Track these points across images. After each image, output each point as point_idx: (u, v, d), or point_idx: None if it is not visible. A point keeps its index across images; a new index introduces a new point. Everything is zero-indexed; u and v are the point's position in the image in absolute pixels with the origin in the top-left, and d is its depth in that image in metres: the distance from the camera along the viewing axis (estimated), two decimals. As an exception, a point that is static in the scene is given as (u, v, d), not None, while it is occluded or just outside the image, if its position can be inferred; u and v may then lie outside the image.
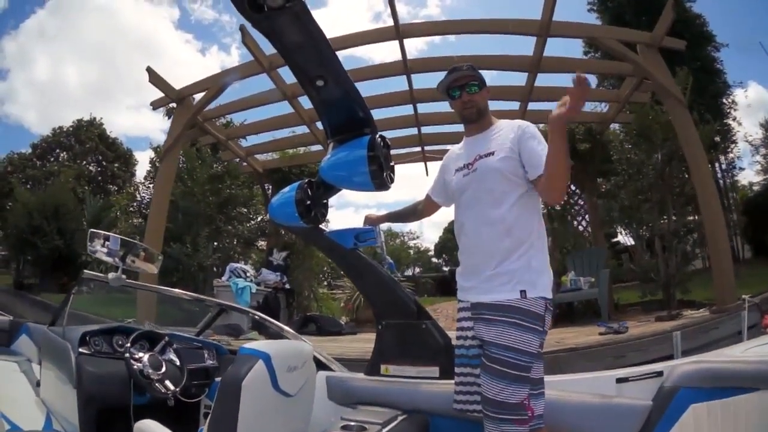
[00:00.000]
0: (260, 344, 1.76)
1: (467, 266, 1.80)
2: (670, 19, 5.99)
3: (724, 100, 15.98)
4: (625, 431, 1.71)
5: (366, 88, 7.49)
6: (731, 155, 16.89)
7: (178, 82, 7.36)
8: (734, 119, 16.30)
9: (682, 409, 1.65)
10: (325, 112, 1.95)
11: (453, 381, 1.81)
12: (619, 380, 1.79)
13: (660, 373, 1.77)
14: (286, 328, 2.62)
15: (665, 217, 6.72)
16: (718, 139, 12.80)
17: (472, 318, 1.71)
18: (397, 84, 7.37)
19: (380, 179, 1.80)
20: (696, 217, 6.66)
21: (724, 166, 16.96)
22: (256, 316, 2.84)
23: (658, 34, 6.04)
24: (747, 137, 18.50)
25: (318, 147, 8.69)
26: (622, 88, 7.51)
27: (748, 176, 19.02)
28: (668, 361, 1.89)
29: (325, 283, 11.73)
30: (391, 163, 1.91)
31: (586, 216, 8.46)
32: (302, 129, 8.42)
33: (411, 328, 2.09)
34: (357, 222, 2.23)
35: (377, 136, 1.85)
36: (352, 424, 1.74)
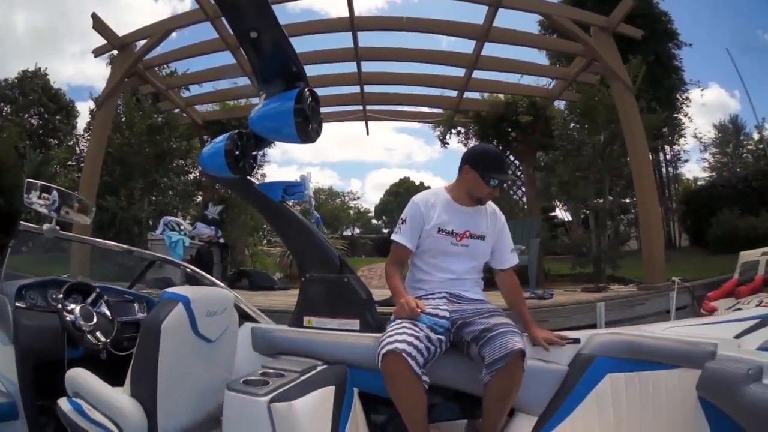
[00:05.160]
0: (180, 288, 1.77)
1: None
2: (628, 6, 6.10)
3: (678, 96, 16.60)
4: (539, 393, 1.79)
5: (312, 43, 7.37)
6: (677, 147, 17.72)
7: (127, 29, 7.11)
8: (685, 115, 16.97)
9: (599, 377, 1.72)
10: (258, 64, 1.94)
11: (373, 334, 1.92)
12: (536, 343, 1.87)
13: (577, 341, 1.84)
14: (218, 282, 2.62)
15: (602, 196, 7.00)
16: (665, 130, 13.35)
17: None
18: (344, 40, 7.19)
19: (305, 131, 1.83)
20: (634, 200, 6.99)
21: (669, 157, 17.78)
22: (188, 269, 2.83)
23: (614, 19, 6.17)
24: (697, 133, 19.47)
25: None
26: (571, 67, 7.71)
27: (694, 171, 20.03)
28: (587, 330, 1.97)
29: (265, 241, 11.68)
30: (319, 117, 1.94)
31: (523, 187, 8.72)
32: (244, 80, 8.18)
33: (333, 282, 2.13)
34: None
35: (306, 89, 1.86)
36: (271, 371, 1.77)
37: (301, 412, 1.52)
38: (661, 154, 16.80)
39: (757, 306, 4.25)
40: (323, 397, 1.66)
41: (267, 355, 2.12)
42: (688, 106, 16.98)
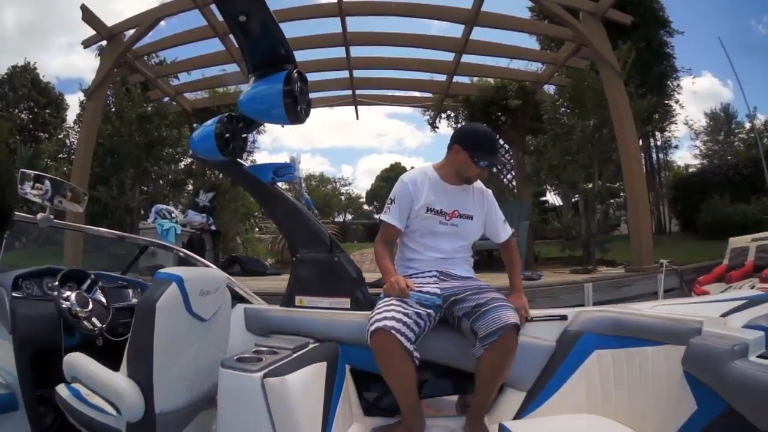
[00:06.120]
0: (173, 269, 1.78)
1: None
2: (617, -9, 6.12)
3: (669, 83, 16.61)
4: (528, 369, 1.82)
5: (300, 28, 7.37)
6: (668, 134, 17.79)
7: (117, 18, 7.05)
8: (676, 101, 16.99)
9: (586, 353, 1.76)
10: (247, 47, 1.97)
11: (363, 312, 1.95)
12: None
13: (564, 317, 1.88)
14: (210, 264, 2.64)
15: (591, 180, 7.04)
16: (656, 116, 13.39)
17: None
18: (333, 25, 7.21)
19: (294, 112, 1.85)
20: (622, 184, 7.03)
21: (659, 143, 17.85)
22: (181, 253, 2.85)
23: (603, 5, 6.18)
24: (688, 121, 19.56)
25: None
26: (560, 51, 7.73)
27: (685, 158, 20.18)
28: (574, 308, 2.00)
29: (257, 229, 11.73)
30: (308, 98, 1.96)
31: (512, 171, 8.77)
32: (233, 67, 8.16)
33: (324, 261, 2.16)
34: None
35: (294, 71, 1.88)
36: (264, 348, 1.79)
37: (293, 387, 1.54)
38: (652, 140, 16.87)
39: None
40: (315, 373, 1.69)
41: (260, 334, 2.15)
42: (679, 93, 17.03)
